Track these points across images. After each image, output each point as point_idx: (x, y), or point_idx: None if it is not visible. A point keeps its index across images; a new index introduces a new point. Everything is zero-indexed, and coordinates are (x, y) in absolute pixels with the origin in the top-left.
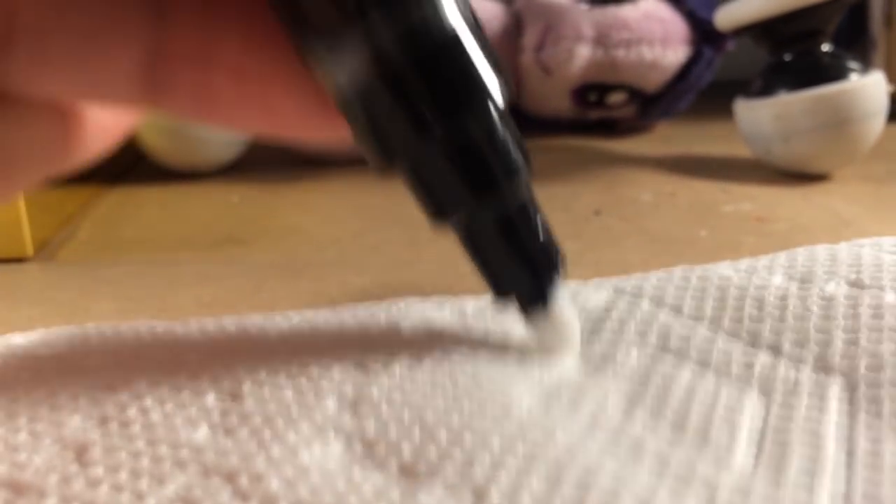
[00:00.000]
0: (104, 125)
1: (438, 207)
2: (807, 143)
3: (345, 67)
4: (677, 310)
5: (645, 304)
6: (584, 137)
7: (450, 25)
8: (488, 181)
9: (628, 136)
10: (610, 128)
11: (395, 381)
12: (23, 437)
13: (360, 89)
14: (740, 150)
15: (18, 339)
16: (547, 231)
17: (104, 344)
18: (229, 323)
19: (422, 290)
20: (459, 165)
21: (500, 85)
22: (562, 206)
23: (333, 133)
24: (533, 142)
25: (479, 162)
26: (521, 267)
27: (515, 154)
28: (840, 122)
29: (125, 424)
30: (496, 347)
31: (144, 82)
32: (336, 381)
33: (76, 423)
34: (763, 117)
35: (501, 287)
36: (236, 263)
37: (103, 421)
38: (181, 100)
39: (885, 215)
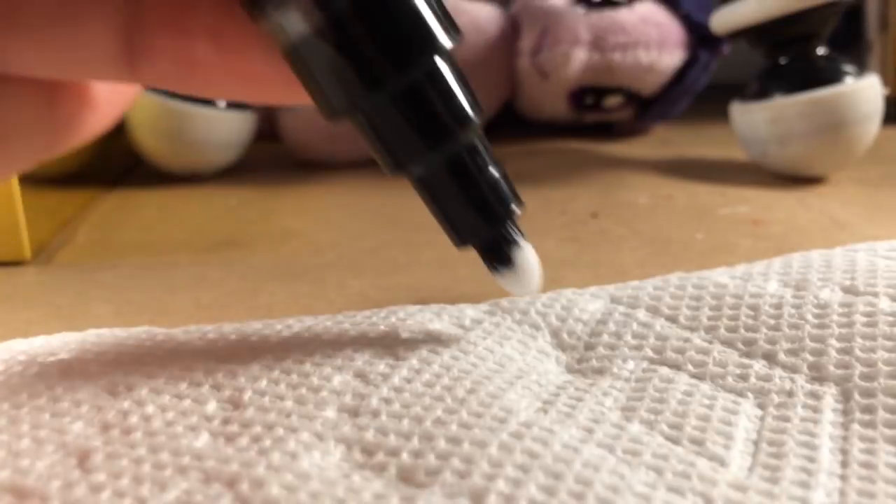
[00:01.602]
0: (98, 101)
1: (394, 159)
2: (802, 146)
3: (289, 22)
4: (673, 319)
5: (641, 314)
6: (580, 140)
7: None
8: (440, 130)
9: (625, 139)
10: (606, 131)
11: (394, 390)
12: (26, 443)
13: (306, 43)
14: (736, 154)
15: (20, 346)
16: (504, 178)
17: (105, 350)
18: (229, 330)
19: (419, 293)
20: (410, 115)
21: (445, 30)
22: (559, 208)
23: (301, 97)
24: (530, 145)
25: (429, 111)
26: (477, 214)
27: (465, 100)
28: (835, 126)
29: (127, 431)
30: (494, 356)
31: (122, 54)
32: (336, 391)
33: (78, 429)
34: (759, 120)
35: (460, 235)
36: (234, 267)
37: (105, 427)
38: (160, 69)
39: (880, 218)
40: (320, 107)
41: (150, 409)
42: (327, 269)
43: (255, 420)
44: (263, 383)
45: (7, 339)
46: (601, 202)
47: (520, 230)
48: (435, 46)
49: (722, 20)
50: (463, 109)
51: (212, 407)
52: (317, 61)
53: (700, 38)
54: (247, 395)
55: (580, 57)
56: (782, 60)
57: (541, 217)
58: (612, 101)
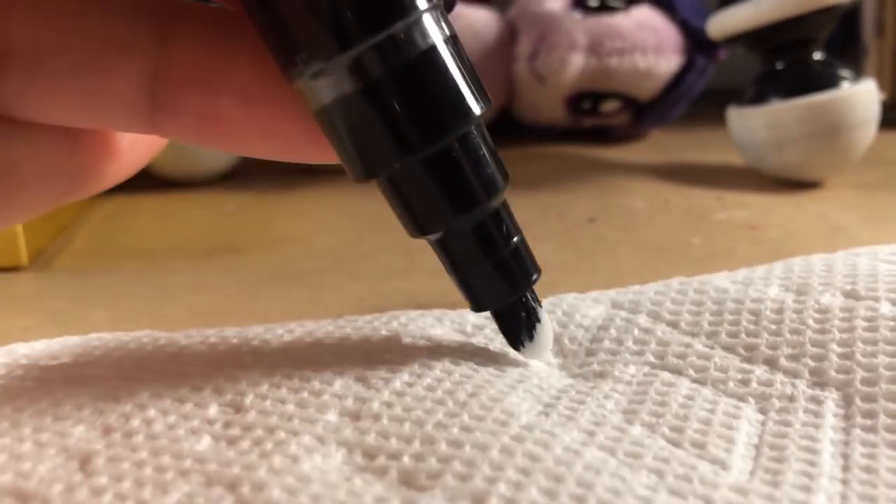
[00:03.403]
0: (121, 149)
1: (419, 223)
2: (799, 150)
3: (325, 85)
4: (674, 325)
5: (642, 320)
6: (577, 145)
7: (427, 43)
8: (469, 197)
9: (622, 144)
10: (604, 136)
11: (395, 394)
12: (27, 446)
13: (340, 107)
14: (733, 158)
15: (22, 349)
16: (523, 244)
17: (107, 354)
18: (231, 334)
19: (416, 298)
20: (439, 182)
21: (477, 98)
22: (556, 213)
23: (330, 156)
24: (527, 150)
25: (459, 178)
26: (499, 281)
27: (494, 167)
28: (832, 130)
29: (129, 434)
30: (495, 361)
31: (145, 107)
32: (338, 394)
33: (80, 432)
34: (756, 125)
35: (479, 302)
36: (231, 272)
37: (107, 431)
38: (184, 124)
39: (878, 222)
40: (349, 168)
41: (151, 412)
42: (325, 274)
43: (257, 423)
44: (265, 387)
45: (4, 345)
46: (599, 207)
47: (537, 298)
48: (468, 116)
49: (718, 25)
50: (492, 177)
51: (213, 410)
52: (350, 125)
53: (697, 42)
54: (248, 399)
55: (577, 62)
56: (779, 65)
57: (538, 222)
58: (609, 105)
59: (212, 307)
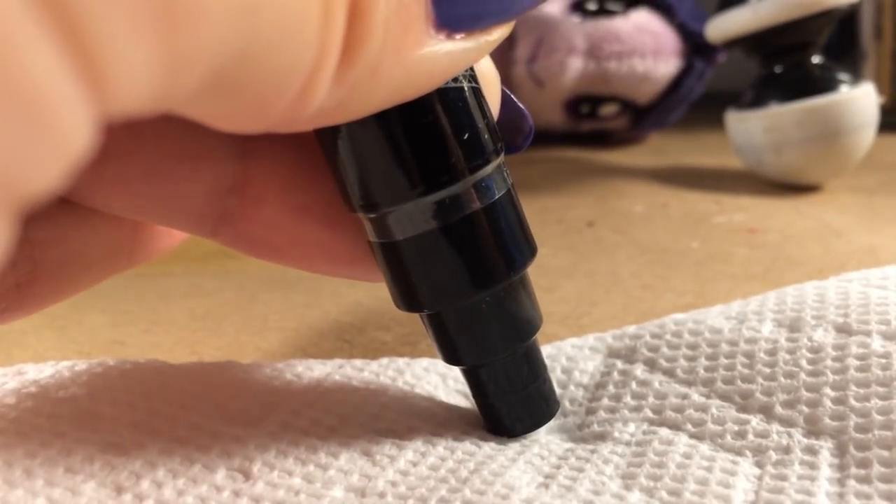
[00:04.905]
0: (170, 230)
1: (458, 356)
2: (798, 154)
3: (390, 226)
4: (671, 373)
5: (639, 371)
6: (576, 149)
7: (494, 203)
8: (514, 340)
9: (621, 147)
10: (602, 139)
11: (400, 473)
12: (41, 502)
13: (410, 244)
14: (732, 162)
15: (31, 373)
16: (548, 380)
17: (115, 387)
18: (236, 371)
19: None
20: (483, 323)
21: (529, 254)
22: (555, 217)
23: (371, 277)
24: (526, 154)
25: (505, 322)
26: (525, 415)
27: (536, 311)
28: (831, 134)
29: (140, 498)
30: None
31: (212, 215)
32: (343, 470)
33: (91, 490)
34: (754, 129)
35: (503, 431)
36: (229, 276)
37: (118, 490)
38: (247, 237)
39: (876, 226)
40: (401, 298)
41: (160, 473)
42: (322, 278)
43: (265, 496)
44: (272, 454)
45: (3, 349)
46: (597, 211)
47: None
48: (519, 266)
49: (717, 29)
50: (534, 319)
51: (220, 476)
52: (415, 261)
53: (695, 46)
54: (256, 468)
55: (576, 66)
56: (777, 69)
57: (537, 226)
58: (608, 109)
59: (209, 311)
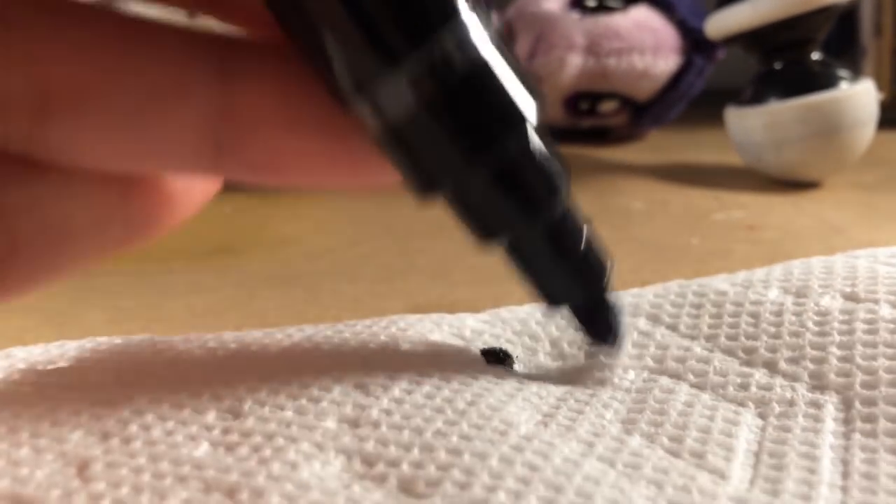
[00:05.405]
0: (174, 194)
1: (486, 230)
2: (797, 150)
3: (382, 107)
4: (673, 327)
5: (641, 323)
6: (576, 146)
7: (481, 54)
8: (533, 201)
9: (620, 144)
10: (602, 136)
11: (394, 401)
12: (25, 452)
13: (398, 126)
14: (732, 159)
15: (19, 353)
16: (593, 239)
17: (104, 359)
18: (230, 338)
19: (414, 300)
20: (503, 189)
21: (536, 103)
22: None
23: (386, 178)
24: None
25: (522, 183)
26: (571, 277)
27: (556, 169)
28: (830, 130)
29: (127, 440)
30: (494, 368)
31: (209, 149)
32: (336, 401)
33: (77, 438)
34: (754, 125)
35: (554, 299)
36: (229, 273)
37: (105, 437)
38: (253, 163)
39: (876, 222)
40: (414, 184)
41: (149, 418)
42: (322, 275)
43: (255, 430)
44: (263, 393)
45: (2, 348)
46: (596, 207)
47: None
48: (525, 118)
49: (717, 25)
50: (555, 178)
51: (211, 416)
52: (415, 140)
53: (695, 43)
54: (246, 405)
55: (575, 62)
56: (777, 65)
57: None
58: (607, 106)
59: (209, 308)
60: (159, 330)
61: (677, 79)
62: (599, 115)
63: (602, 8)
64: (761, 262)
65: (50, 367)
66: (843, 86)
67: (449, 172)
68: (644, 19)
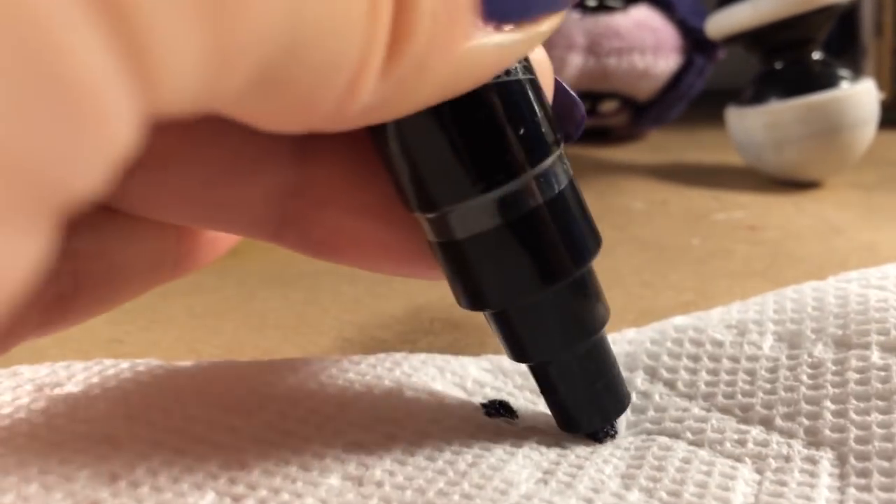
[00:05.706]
0: (219, 237)
1: (526, 354)
2: (798, 150)
3: (452, 226)
4: (671, 385)
5: (639, 380)
6: (576, 145)
7: (559, 185)
8: (583, 334)
9: (620, 144)
10: (602, 136)
11: (397, 462)
12: (34, 488)
13: (464, 245)
14: (732, 158)
15: (26, 372)
16: (619, 373)
17: (112, 387)
18: (234, 371)
19: (414, 301)
20: (551, 319)
21: (595, 237)
22: None
23: (433, 275)
24: None
25: (573, 317)
26: (595, 410)
27: (603, 303)
28: (831, 130)
29: (134, 484)
30: (495, 425)
31: (273, 220)
32: (340, 458)
33: (85, 477)
34: (754, 125)
35: (575, 427)
36: (229, 273)
37: (113, 478)
38: (311, 239)
39: (876, 222)
40: (464, 297)
41: (155, 462)
42: (322, 275)
43: (261, 483)
44: (268, 444)
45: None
46: (597, 207)
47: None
48: (589, 255)
49: (717, 25)
50: (603, 312)
51: (215, 465)
52: (477, 259)
53: (695, 42)
54: (251, 456)
55: (575, 62)
56: (778, 65)
57: None
58: (608, 106)
59: (208, 309)
60: (159, 331)
61: (678, 79)
62: (600, 115)
63: (602, 7)
64: (762, 262)
65: (57, 390)
66: (844, 85)
67: (500, 297)
68: (644, 19)
